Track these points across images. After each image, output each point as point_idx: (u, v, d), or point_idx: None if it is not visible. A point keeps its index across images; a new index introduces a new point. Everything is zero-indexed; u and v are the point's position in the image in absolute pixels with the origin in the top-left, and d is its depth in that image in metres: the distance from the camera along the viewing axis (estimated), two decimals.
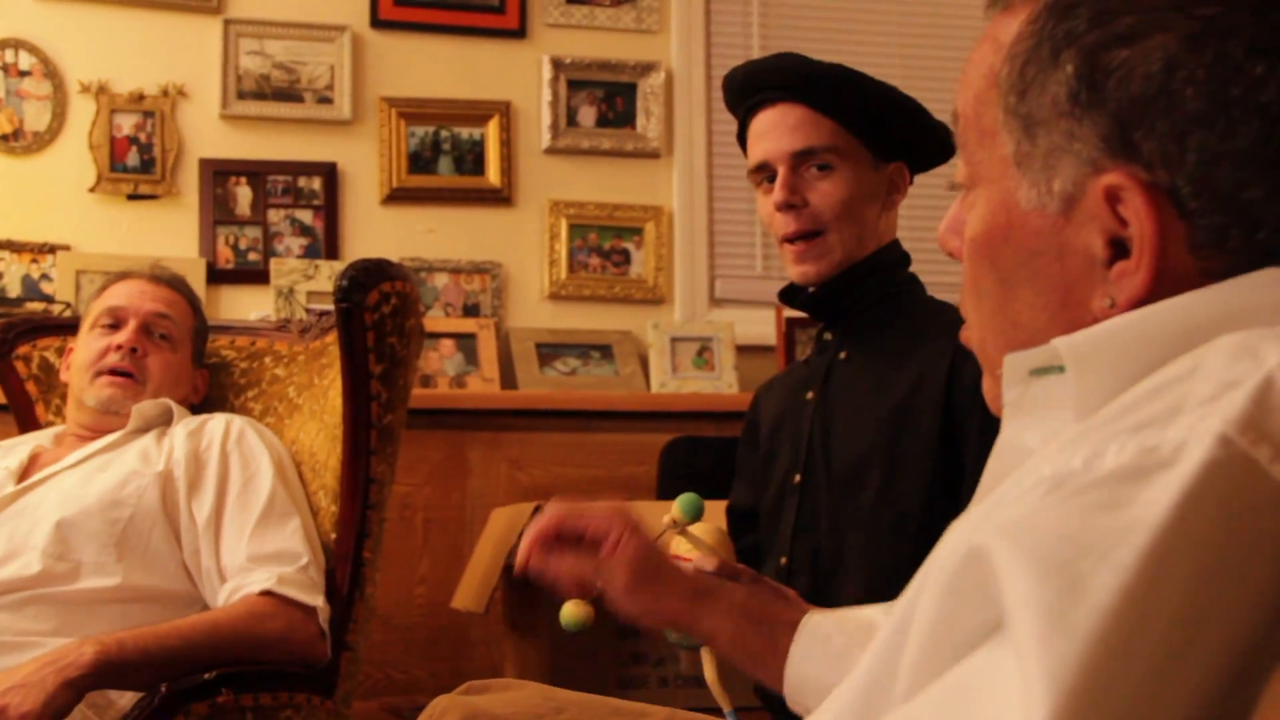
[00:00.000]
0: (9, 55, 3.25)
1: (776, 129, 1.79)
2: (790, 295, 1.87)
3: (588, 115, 3.54)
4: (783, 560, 1.79)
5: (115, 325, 2.22)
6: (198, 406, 2.30)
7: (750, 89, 1.83)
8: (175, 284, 2.33)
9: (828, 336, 1.87)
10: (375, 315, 2.03)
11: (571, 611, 1.43)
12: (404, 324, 2.08)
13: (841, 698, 0.66)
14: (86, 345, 2.23)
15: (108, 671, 1.72)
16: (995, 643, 0.58)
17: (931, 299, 1.87)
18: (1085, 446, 0.62)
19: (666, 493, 2.93)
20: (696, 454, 2.99)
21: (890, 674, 0.63)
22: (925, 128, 1.82)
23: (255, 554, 1.94)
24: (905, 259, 1.87)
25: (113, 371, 2.17)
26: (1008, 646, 0.56)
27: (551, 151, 3.52)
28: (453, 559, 3.05)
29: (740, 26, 3.65)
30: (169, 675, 1.77)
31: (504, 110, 3.50)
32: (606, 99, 3.56)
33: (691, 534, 1.67)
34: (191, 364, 2.29)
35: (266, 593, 1.89)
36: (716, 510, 1.79)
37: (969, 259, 0.83)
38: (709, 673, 1.70)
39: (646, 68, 3.57)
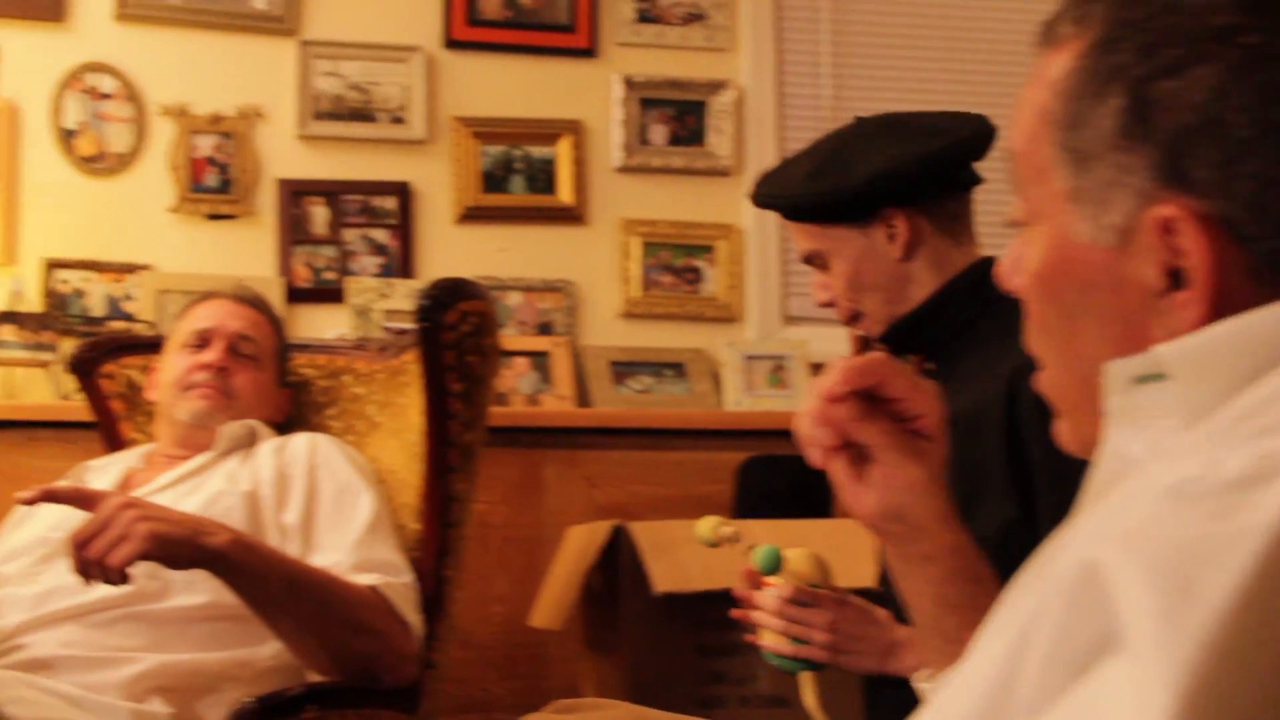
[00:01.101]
0: (92, 79, 3.31)
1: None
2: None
3: (659, 133, 3.55)
4: (875, 585, 1.81)
5: (202, 345, 2.24)
6: (281, 426, 2.32)
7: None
8: (259, 304, 2.36)
9: (930, 366, 1.87)
10: (455, 334, 2.05)
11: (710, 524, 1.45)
12: (483, 342, 2.09)
13: (957, 704, 0.66)
14: (174, 364, 2.25)
15: (223, 564, 1.78)
16: (1114, 653, 0.58)
17: (1022, 315, 1.85)
18: (1202, 454, 0.62)
19: (743, 511, 2.92)
20: (773, 473, 2.98)
21: (1011, 683, 0.63)
22: (872, 178, 1.81)
23: (359, 561, 1.95)
24: (979, 285, 1.84)
25: (200, 386, 2.20)
26: (1125, 656, 0.56)
27: (623, 170, 3.53)
28: (529, 577, 3.05)
29: (809, 44, 3.65)
30: (270, 601, 1.81)
31: (575, 129, 3.51)
32: (678, 117, 3.57)
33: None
34: (275, 383, 2.31)
35: (372, 589, 1.90)
36: (804, 532, 1.79)
37: (1032, 296, 0.84)
38: (809, 697, 1.70)
39: (717, 86, 3.58)
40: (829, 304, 1.88)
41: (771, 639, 1.72)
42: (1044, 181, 0.81)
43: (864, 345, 1.95)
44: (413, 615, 1.95)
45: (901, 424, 1.05)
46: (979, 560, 1.07)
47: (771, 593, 1.71)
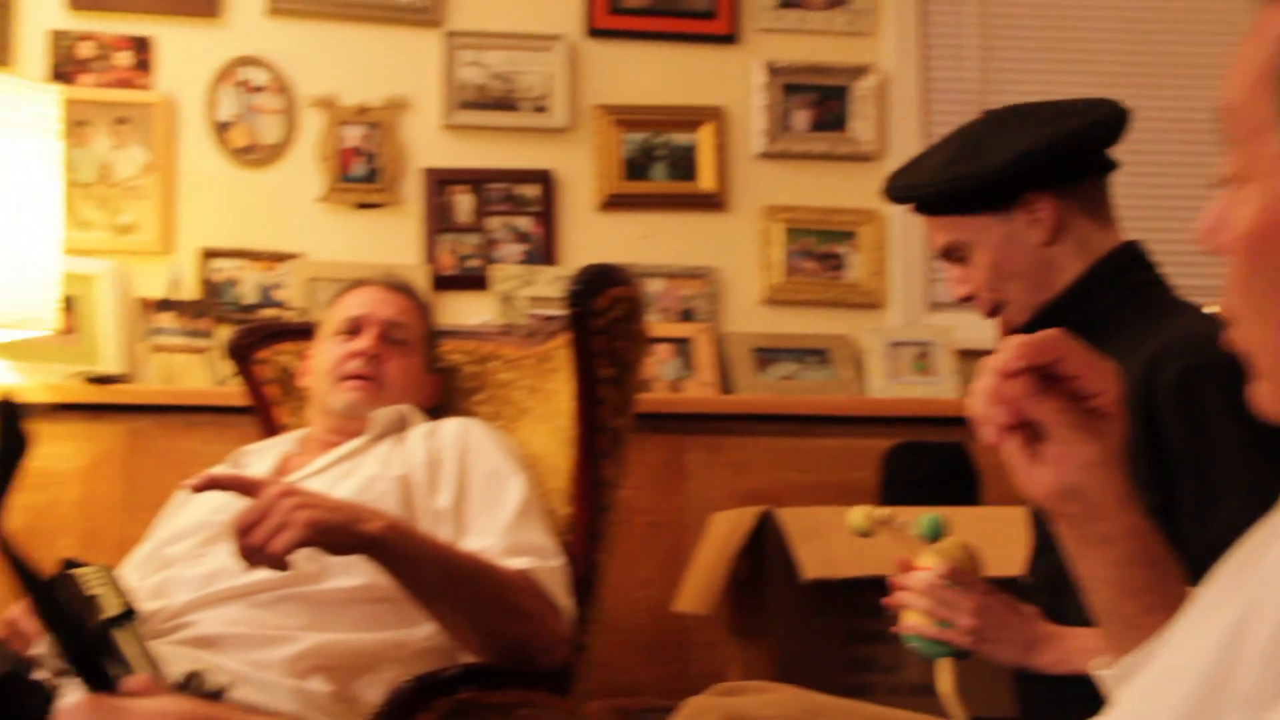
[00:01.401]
0: (244, 73, 3.38)
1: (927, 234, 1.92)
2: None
3: (801, 119, 3.53)
4: (1025, 577, 1.78)
5: (354, 332, 2.28)
6: (432, 411, 2.35)
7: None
8: (408, 291, 2.39)
9: None
10: (605, 320, 2.06)
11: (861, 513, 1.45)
12: (632, 328, 2.10)
13: (1167, 694, 0.64)
14: (327, 352, 2.29)
15: (379, 550, 1.80)
16: None
17: (1167, 299, 1.80)
18: None
19: (889, 499, 2.90)
20: (919, 460, 2.95)
21: (1226, 674, 0.61)
22: (1015, 159, 1.77)
23: (511, 544, 1.97)
24: (1125, 268, 1.80)
25: (354, 376, 2.23)
26: None
27: (765, 156, 3.51)
28: (673, 562, 3.06)
29: (954, 25, 3.59)
30: (424, 585, 1.84)
31: (717, 116, 3.51)
32: (820, 102, 3.54)
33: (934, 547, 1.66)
34: (425, 369, 2.34)
35: (525, 573, 1.92)
36: (951, 520, 1.76)
37: (1238, 257, 0.80)
38: (945, 683, 1.68)
39: (859, 71, 3.54)
40: (968, 298, 1.86)
41: (915, 620, 1.70)
42: (1260, 141, 0.78)
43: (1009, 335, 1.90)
44: (564, 599, 1.96)
45: (1078, 401, 1.02)
46: (1159, 543, 1.04)
47: (923, 574, 1.69)
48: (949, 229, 1.83)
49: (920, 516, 1.60)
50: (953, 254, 1.84)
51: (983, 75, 3.57)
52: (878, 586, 2.41)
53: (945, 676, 1.70)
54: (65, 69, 3.30)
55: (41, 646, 1.85)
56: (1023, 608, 1.68)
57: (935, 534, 1.66)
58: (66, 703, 0.60)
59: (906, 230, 3.48)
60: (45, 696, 1.84)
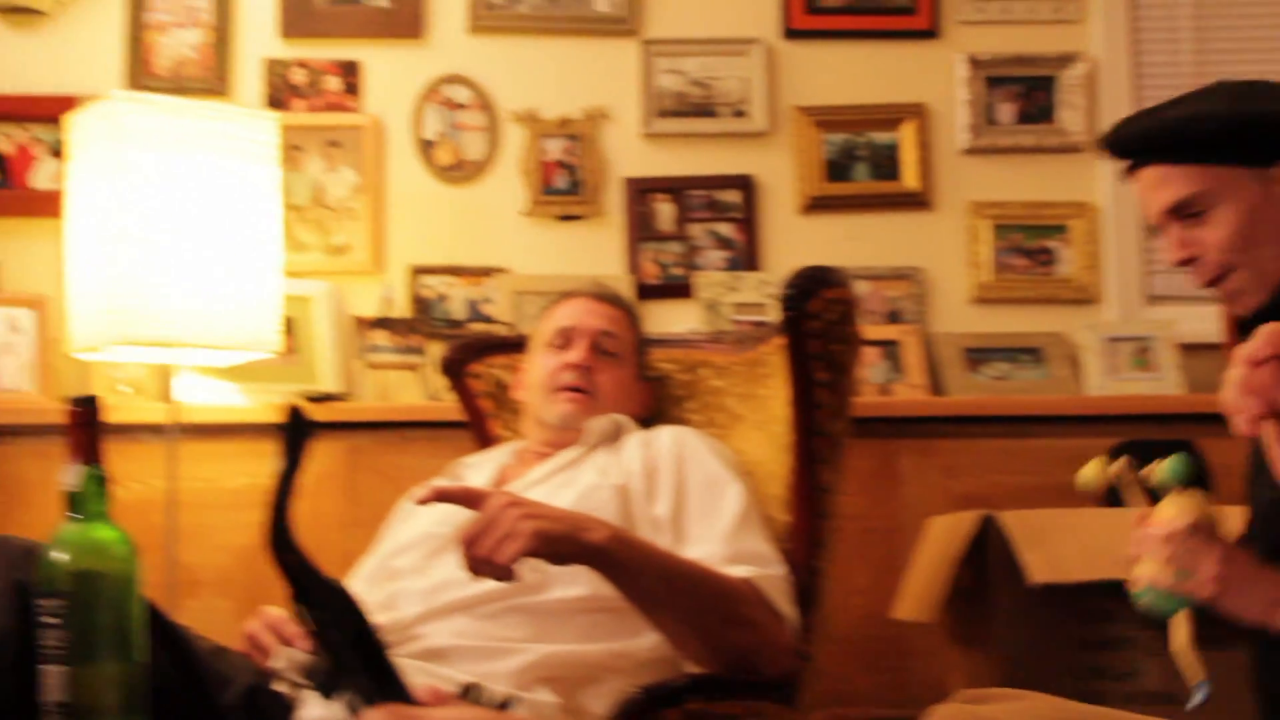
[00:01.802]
0: (448, 91, 3.45)
1: (1143, 194, 1.76)
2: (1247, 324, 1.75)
3: (1006, 112, 3.44)
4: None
5: (565, 344, 2.29)
6: (646, 420, 2.35)
7: (1115, 158, 1.81)
8: (618, 301, 2.39)
9: None
10: (820, 322, 2.03)
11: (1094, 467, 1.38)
12: (847, 330, 2.06)
13: None
14: (539, 364, 2.31)
15: (603, 560, 1.79)
16: None
17: None
18: None
19: (1115, 500, 2.79)
20: (1145, 459, 2.83)
21: None
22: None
23: (732, 553, 1.95)
24: None
25: (567, 388, 2.24)
26: None
27: (970, 152, 3.44)
28: (888, 569, 3.01)
29: (1167, 8, 3.47)
30: (647, 595, 1.81)
31: (919, 113, 3.45)
32: (1026, 94, 3.45)
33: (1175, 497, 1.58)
34: (637, 377, 2.34)
35: (746, 582, 1.90)
36: None
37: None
38: (1180, 639, 1.58)
39: (1067, 59, 3.44)
40: (1187, 261, 1.72)
41: (1153, 571, 1.59)
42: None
43: (1237, 327, 1.79)
44: (787, 607, 1.93)
45: None
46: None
47: (1164, 521, 1.59)
48: (1192, 180, 1.69)
49: (1162, 463, 1.51)
50: (1186, 210, 1.70)
51: (1197, 59, 3.44)
52: (1109, 591, 2.34)
53: (1181, 631, 1.60)
54: (279, 96, 3.41)
55: (281, 660, 1.90)
56: (1269, 567, 1.57)
57: (1181, 476, 1.56)
58: (367, 714, 0.59)
59: (1121, 222, 3.37)
60: (286, 708, 1.90)
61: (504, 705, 0.58)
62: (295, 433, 0.65)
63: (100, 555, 1.36)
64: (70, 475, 1.36)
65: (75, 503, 1.37)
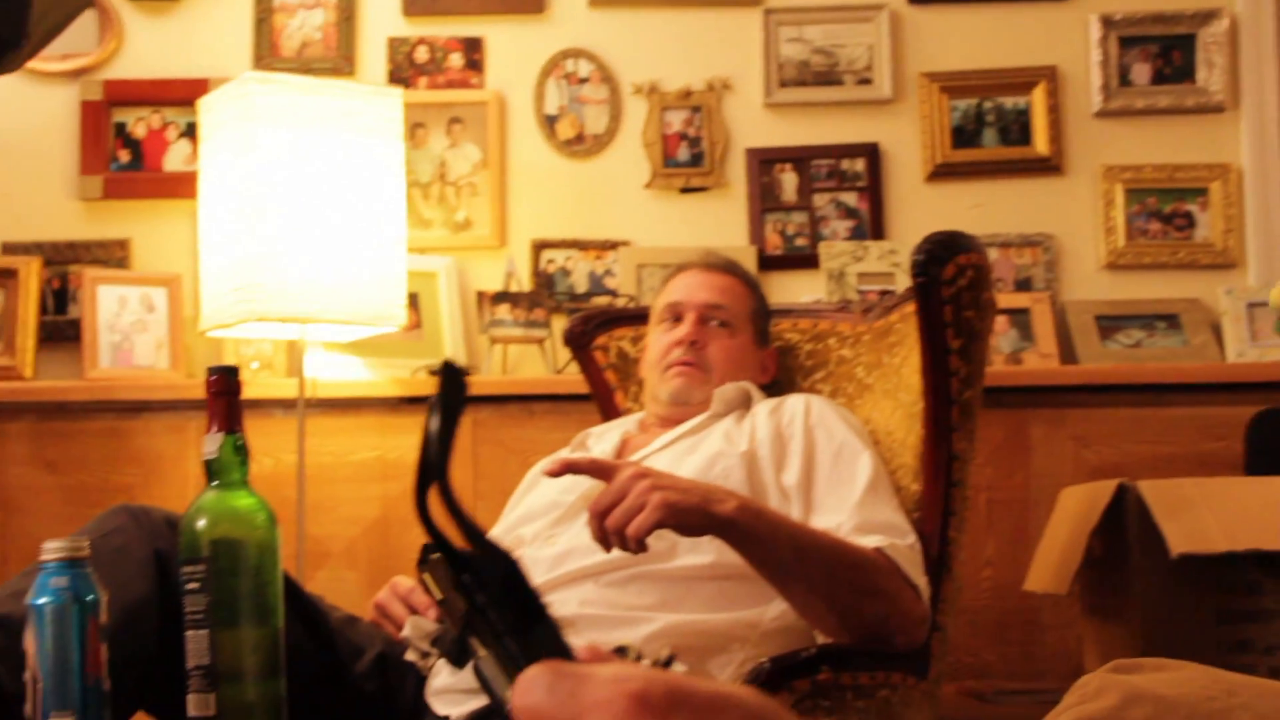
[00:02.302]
0: (570, 65, 3.45)
1: None
2: None
3: (1142, 73, 3.35)
4: None
5: (676, 319, 2.28)
6: (768, 387, 2.33)
7: None
8: (729, 269, 2.36)
9: None
10: (952, 289, 1.98)
11: None
12: (979, 297, 2.02)
13: None
14: (654, 341, 2.30)
15: (732, 531, 1.76)
16: None
17: None
18: None
19: (1255, 469, 2.71)
20: None
21: None
22: None
23: (862, 523, 1.92)
24: None
25: (678, 364, 2.23)
26: None
27: (1103, 114, 3.35)
28: (1019, 540, 2.96)
29: None
30: (777, 565, 1.79)
31: (1050, 76, 3.37)
32: (1162, 53, 3.35)
33: None
34: (755, 345, 2.31)
35: (878, 551, 1.87)
36: None
37: None
38: None
39: (1207, 16, 3.34)
40: None
41: None
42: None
43: None
44: (919, 577, 1.90)
45: None
46: None
47: None
48: None
49: None
50: None
51: None
52: (1254, 561, 2.27)
53: None
54: (403, 74, 3.44)
55: (410, 630, 1.92)
56: None
57: None
58: (526, 672, 0.58)
59: (1263, 183, 3.26)
60: (416, 677, 1.92)
61: (667, 664, 0.57)
62: (451, 387, 0.63)
63: (240, 522, 1.38)
64: (210, 444, 1.38)
65: (215, 471, 1.39)
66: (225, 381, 1.38)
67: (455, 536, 0.68)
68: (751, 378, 2.27)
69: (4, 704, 1.45)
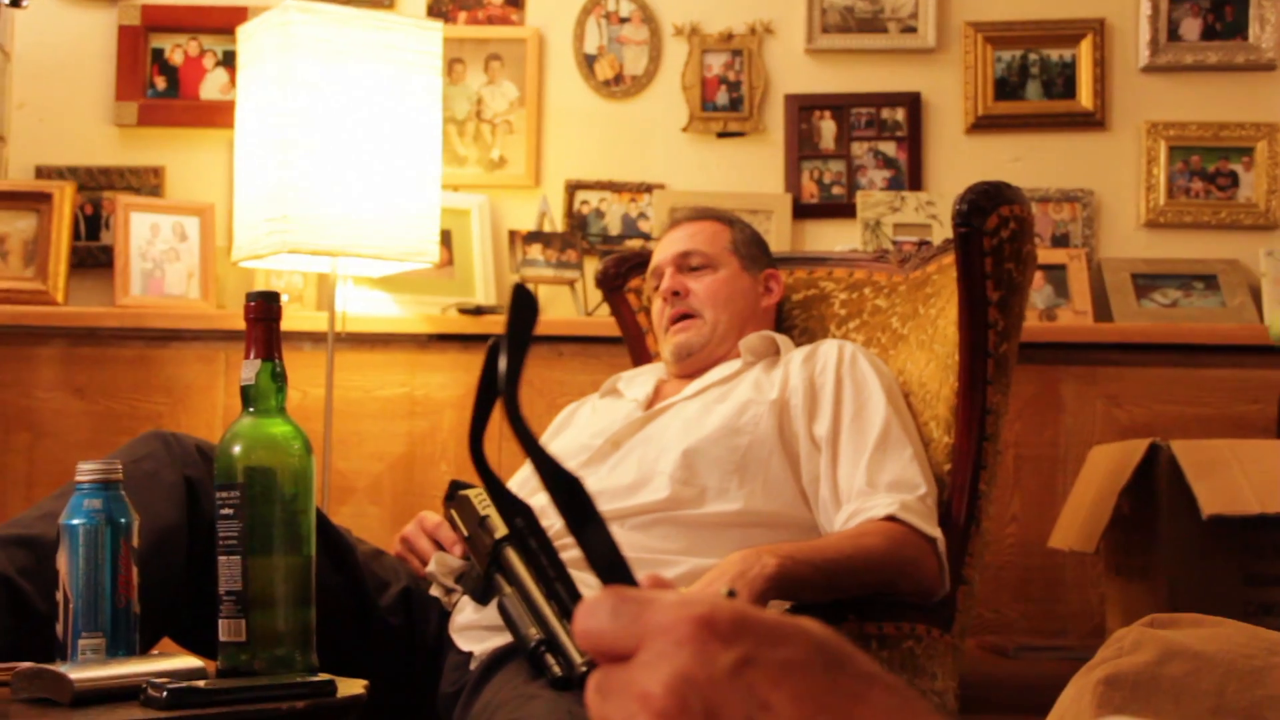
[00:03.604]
0: (611, 4, 3.41)
1: None
2: None
3: (1191, 28, 3.30)
4: None
5: (659, 282, 2.29)
6: (800, 323, 2.32)
7: None
8: (696, 215, 2.37)
9: None
10: (994, 240, 1.97)
11: None
12: (1021, 249, 2.00)
13: None
14: (654, 307, 2.32)
15: (784, 581, 1.72)
16: None
17: None
18: None
19: None
20: None
21: None
22: None
23: (874, 480, 1.92)
24: None
25: (671, 320, 2.24)
26: None
27: (1150, 69, 3.30)
28: (1045, 497, 2.94)
29: None
30: (819, 592, 1.78)
31: (1097, 28, 3.32)
32: (1213, 8, 3.30)
33: None
34: (743, 271, 2.30)
35: (890, 518, 1.86)
36: None
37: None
38: None
39: None
40: None
41: None
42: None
43: None
44: (932, 528, 1.90)
45: None
46: None
47: None
48: None
49: None
50: None
51: None
52: None
53: None
54: (442, 8, 3.41)
55: (434, 564, 1.92)
56: None
57: None
58: (584, 596, 0.57)
59: None
60: (440, 612, 1.92)
61: (730, 595, 0.56)
62: (521, 311, 0.62)
63: (276, 449, 1.37)
64: (247, 370, 1.38)
65: (252, 397, 1.38)
66: (265, 307, 1.38)
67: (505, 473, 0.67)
68: (752, 304, 2.27)
69: (35, 623, 1.46)
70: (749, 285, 2.29)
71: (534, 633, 1.52)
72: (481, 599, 1.75)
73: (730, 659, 0.54)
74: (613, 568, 0.60)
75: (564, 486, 0.62)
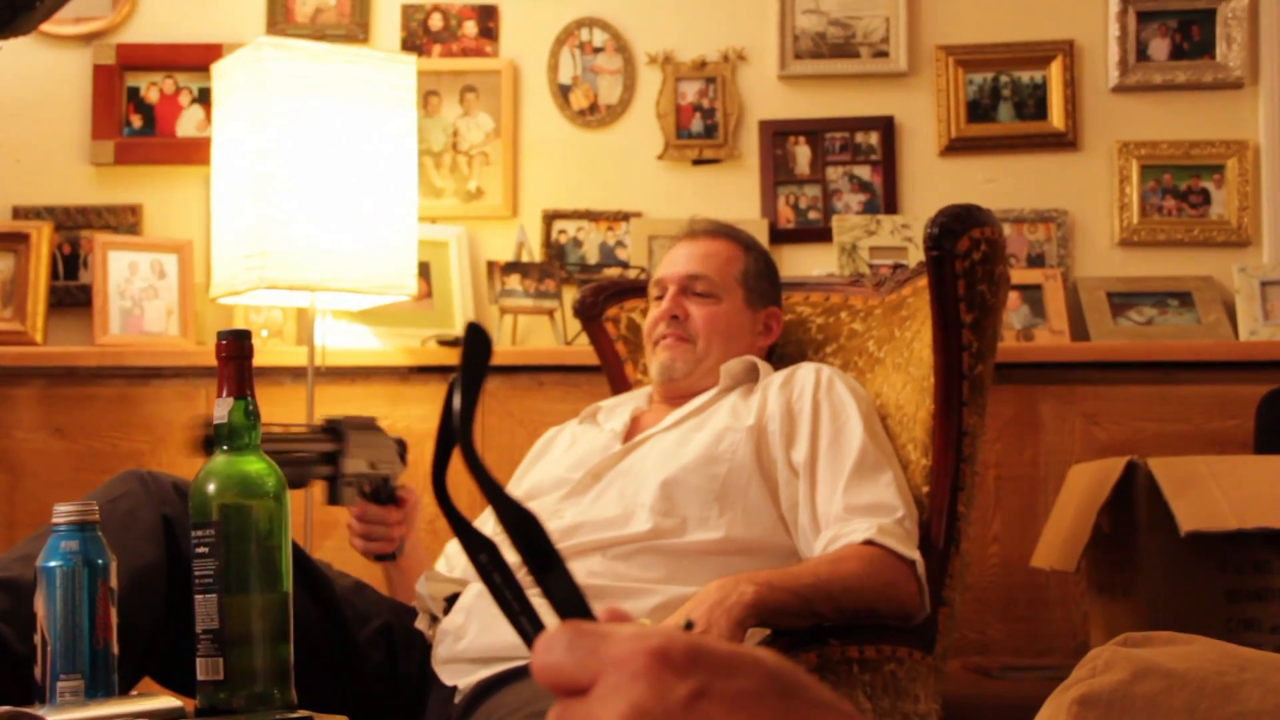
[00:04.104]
0: (584, 34, 3.43)
1: None
2: None
3: (1160, 48, 3.33)
4: None
5: (661, 294, 2.27)
6: (774, 350, 2.32)
7: None
8: (717, 232, 2.31)
9: None
10: (966, 262, 1.98)
11: None
12: (993, 271, 2.01)
13: None
14: (648, 317, 2.29)
15: (763, 609, 1.72)
16: None
17: None
18: None
19: (1265, 447, 2.70)
20: None
21: None
22: None
23: (851, 505, 1.92)
24: None
25: (663, 338, 2.22)
26: None
27: (1120, 89, 3.33)
28: (1026, 517, 2.96)
29: None
30: (798, 618, 1.78)
31: (1067, 50, 3.35)
32: (1181, 28, 3.33)
33: None
34: (746, 308, 2.26)
35: (868, 543, 1.87)
36: None
37: None
38: None
39: None
40: None
41: None
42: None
43: None
44: (911, 552, 1.90)
45: None
46: None
47: None
48: None
49: None
50: None
51: None
52: (1263, 540, 2.27)
53: None
54: (416, 41, 3.42)
55: (422, 584, 1.92)
56: None
57: None
58: (547, 629, 0.58)
59: None
60: (422, 645, 1.92)
61: (688, 628, 0.57)
62: (475, 350, 0.63)
63: (250, 487, 1.38)
64: (220, 408, 1.38)
65: (225, 436, 1.39)
66: (236, 346, 1.38)
67: (468, 510, 0.67)
68: (748, 342, 2.25)
69: (13, 666, 1.45)
70: (748, 322, 2.26)
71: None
72: (562, 609, 1.75)
73: (685, 691, 0.54)
74: (573, 606, 0.61)
75: (522, 528, 0.62)
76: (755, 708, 0.54)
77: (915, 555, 1.90)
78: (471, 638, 1.81)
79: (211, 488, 1.37)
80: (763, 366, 2.20)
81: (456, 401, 0.64)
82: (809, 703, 0.56)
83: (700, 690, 0.54)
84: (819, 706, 0.56)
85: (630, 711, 0.54)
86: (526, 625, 0.62)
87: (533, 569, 0.61)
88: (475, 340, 0.66)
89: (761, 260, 2.32)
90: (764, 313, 2.29)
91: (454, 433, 0.64)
